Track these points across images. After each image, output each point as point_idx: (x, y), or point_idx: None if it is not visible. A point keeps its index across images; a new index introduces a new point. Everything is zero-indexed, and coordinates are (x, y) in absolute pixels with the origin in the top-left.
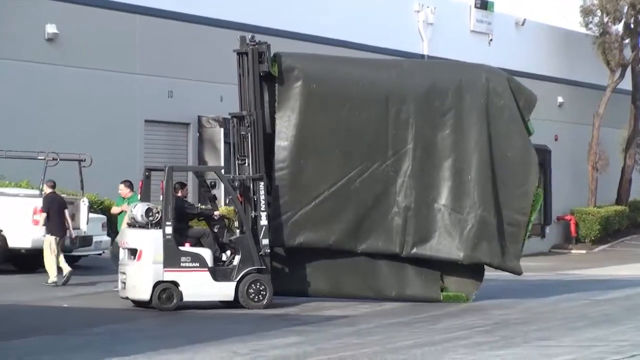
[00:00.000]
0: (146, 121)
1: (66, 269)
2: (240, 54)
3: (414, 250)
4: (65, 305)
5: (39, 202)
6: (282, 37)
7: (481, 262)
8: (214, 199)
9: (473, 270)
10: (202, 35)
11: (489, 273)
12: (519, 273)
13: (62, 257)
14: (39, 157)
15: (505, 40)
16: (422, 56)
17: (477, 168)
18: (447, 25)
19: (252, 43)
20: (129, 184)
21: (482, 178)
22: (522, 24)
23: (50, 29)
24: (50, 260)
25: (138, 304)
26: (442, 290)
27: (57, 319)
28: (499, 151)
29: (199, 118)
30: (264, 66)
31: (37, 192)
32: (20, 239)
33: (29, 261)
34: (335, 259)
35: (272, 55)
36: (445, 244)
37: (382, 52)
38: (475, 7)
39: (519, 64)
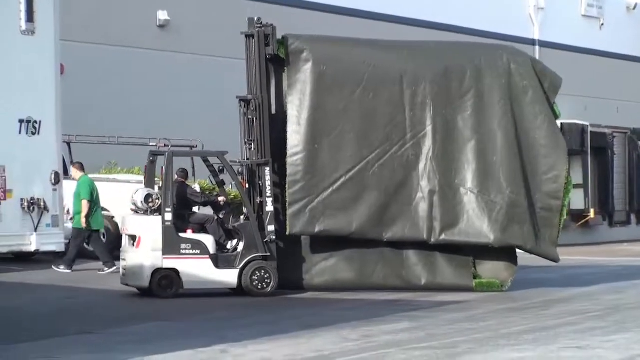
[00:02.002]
0: None
1: None
2: (247, 36)
3: (443, 236)
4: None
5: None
6: (396, 22)
7: (513, 245)
8: (222, 184)
9: (506, 256)
10: (314, 22)
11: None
12: (556, 260)
13: None
14: (150, 144)
15: (617, 25)
16: (533, 41)
17: (502, 149)
18: (558, 9)
19: (259, 25)
20: (79, 166)
21: (509, 159)
22: (634, 9)
23: (162, 15)
24: None
25: (141, 290)
26: (475, 278)
27: (162, 306)
28: (524, 132)
29: None
30: (269, 49)
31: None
32: None
33: None
34: (360, 247)
35: (280, 37)
36: (475, 228)
37: (492, 36)
38: None
39: (630, 49)
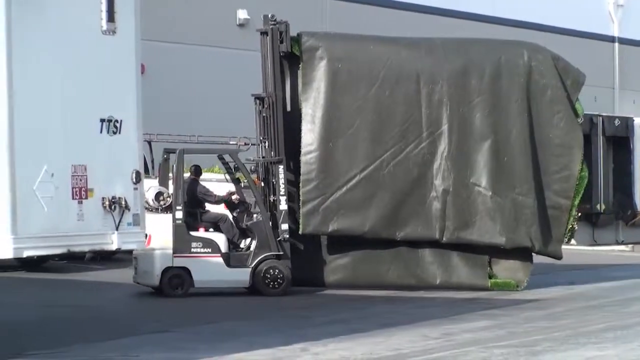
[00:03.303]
0: None
1: None
2: (262, 33)
3: (455, 235)
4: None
5: (230, 188)
6: (471, 19)
7: (522, 247)
8: (237, 181)
9: (522, 256)
10: (394, 20)
11: None
12: (559, 258)
13: None
14: (230, 142)
15: None
16: (613, 38)
17: (515, 149)
18: (638, 6)
19: (272, 22)
20: None
21: (521, 159)
22: None
23: (242, 14)
24: None
25: (154, 289)
26: (490, 278)
27: (235, 305)
28: (540, 132)
29: None
30: (283, 46)
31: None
32: None
33: None
34: (374, 246)
35: (296, 35)
36: (487, 228)
37: (571, 34)
38: None
39: None
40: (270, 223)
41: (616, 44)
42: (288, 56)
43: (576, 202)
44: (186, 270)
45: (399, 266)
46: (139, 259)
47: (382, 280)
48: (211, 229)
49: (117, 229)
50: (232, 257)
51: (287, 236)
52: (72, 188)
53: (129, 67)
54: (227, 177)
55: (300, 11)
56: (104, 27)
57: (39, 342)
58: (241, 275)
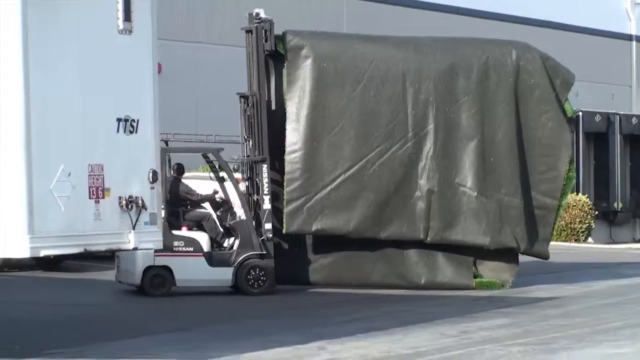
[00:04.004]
0: None
1: None
2: (247, 31)
3: (439, 235)
4: None
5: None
6: (485, 18)
7: (507, 247)
8: (222, 180)
9: (507, 256)
10: (416, 19)
11: None
12: (546, 258)
13: None
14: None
15: None
16: (630, 36)
17: (502, 150)
18: None
19: (257, 21)
20: None
21: (507, 160)
22: None
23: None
24: None
25: (136, 288)
26: (475, 277)
27: (253, 304)
28: (528, 132)
29: None
30: (268, 44)
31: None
32: None
33: None
34: (359, 246)
35: (281, 34)
36: (472, 229)
37: (587, 32)
38: None
39: None
40: (254, 222)
41: (633, 42)
42: (273, 55)
43: (563, 202)
44: (168, 269)
45: (384, 266)
46: (120, 258)
47: (366, 280)
48: (195, 228)
49: (133, 228)
50: (215, 256)
51: (271, 235)
52: (89, 187)
53: (145, 67)
54: (212, 175)
55: (318, 11)
56: (121, 27)
57: (54, 342)
58: (224, 275)
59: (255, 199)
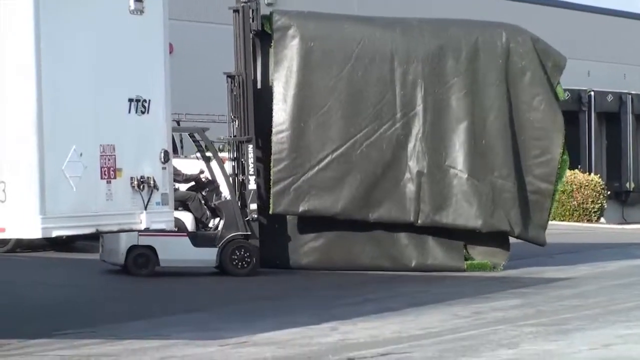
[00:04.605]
0: None
1: None
2: (234, 11)
3: (430, 218)
4: None
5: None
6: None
7: (500, 230)
8: (208, 160)
9: (499, 240)
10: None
11: None
12: (542, 244)
13: None
14: None
15: None
16: None
17: (494, 132)
18: None
19: (244, 0)
20: None
21: (500, 142)
22: None
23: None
24: None
25: (120, 267)
26: (466, 260)
27: (266, 285)
28: (519, 115)
29: None
30: (254, 24)
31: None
32: None
33: None
34: (348, 228)
35: (268, 13)
36: (463, 212)
37: (599, 11)
38: None
39: None
40: (239, 203)
41: None
42: (260, 34)
43: (558, 187)
44: (152, 249)
45: (374, 248)
46: (105, 237)
47: (356, 262)
48: (180, 208)
49: (145, 208)
50: (199, 237)
51: (256, 216)
52: (101, 168)
53: (157, 47)
54: (198, 155)
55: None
56: (132, 7)
57: (67, 322)
58: (208, 255)
59: (241, 179)
